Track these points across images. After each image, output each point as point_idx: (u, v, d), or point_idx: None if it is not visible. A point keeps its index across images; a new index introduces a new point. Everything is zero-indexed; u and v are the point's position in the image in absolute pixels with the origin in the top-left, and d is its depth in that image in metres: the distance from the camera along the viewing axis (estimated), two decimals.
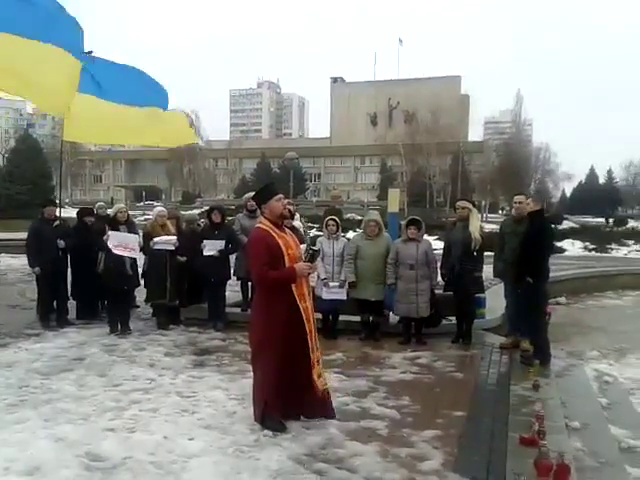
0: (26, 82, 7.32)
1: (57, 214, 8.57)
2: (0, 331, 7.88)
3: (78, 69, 7.91)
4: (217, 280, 8.32)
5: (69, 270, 8.68)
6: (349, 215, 36.68)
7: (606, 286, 15.58)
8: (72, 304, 8.83)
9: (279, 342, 4.51)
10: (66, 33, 7.66)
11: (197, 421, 4.71)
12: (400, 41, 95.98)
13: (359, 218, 37.11)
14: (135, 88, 8.59)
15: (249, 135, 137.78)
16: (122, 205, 8.71)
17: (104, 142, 10.08)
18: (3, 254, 17.08)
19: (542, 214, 7.00)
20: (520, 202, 7.33)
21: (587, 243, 27.04)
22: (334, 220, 7.97)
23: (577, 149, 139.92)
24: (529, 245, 6.60)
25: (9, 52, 7.05)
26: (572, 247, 25.82)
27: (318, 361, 4.71)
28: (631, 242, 27.73)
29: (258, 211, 8.35)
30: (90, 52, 8.47)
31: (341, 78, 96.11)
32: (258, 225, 4.70)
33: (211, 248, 8.15)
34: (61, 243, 8.23)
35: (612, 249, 26.82)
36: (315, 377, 4.66)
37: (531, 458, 3.82)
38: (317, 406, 4.73)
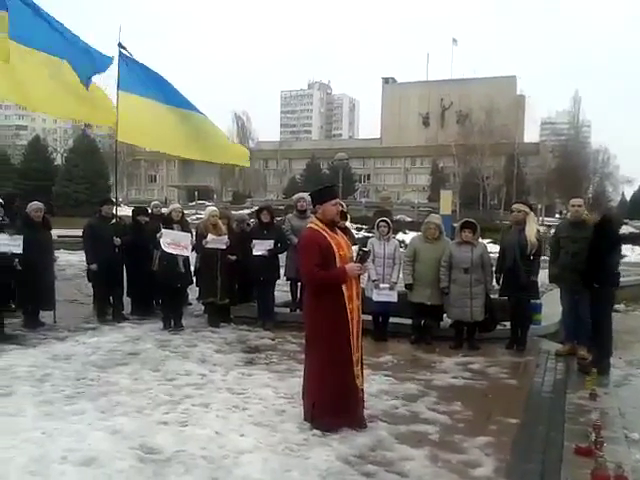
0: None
1: (114, 212, 8.82)
2: (59, 325, 8.16)
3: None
4: (266, 279, 8.40)
5: (124, 267, 8.92)
6: (399, 217, 36.46)
7: None
8: (127, 300, 9.08)
9: (325, 341, 4.51)
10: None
11: (247, 417, 4.76)
12: (454, 41, 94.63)
13: (409, 220, 36.88)
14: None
15: (299, 136, 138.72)
16: (178, 205, 8.90)
17: (156, 148, 10.18)
18: (62, 250, 17.67)
19: (608, 222, 6.74)
20: (579, 205, 7.13)
21: None
22: (386, 221, 7.91)
23: (638, 152, 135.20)
24: (595, 251, 6.37)
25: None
26: (632, 253, 24.88)
27: (357, 362, 4.67)
28: None
29: (308, 211, 8.45)
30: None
31: (393, 78, 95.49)
32: (310, 225, 4.71)
33: (260, 248, 8.23)
34: (117, 241, 8.46)
35: None
36: (354, 376, 4.64)
37: (587, 468, 3.72)
38: (356, 413, 4.68)
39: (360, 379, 4.70)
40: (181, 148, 9.36)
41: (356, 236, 12.28)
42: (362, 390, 4.74)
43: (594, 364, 6.21)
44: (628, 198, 75.34)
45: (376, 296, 7.54)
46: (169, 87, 8.79)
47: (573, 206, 7.22)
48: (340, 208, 4.89)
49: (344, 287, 4.50)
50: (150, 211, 9.79)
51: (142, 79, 8.64)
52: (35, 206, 8.10)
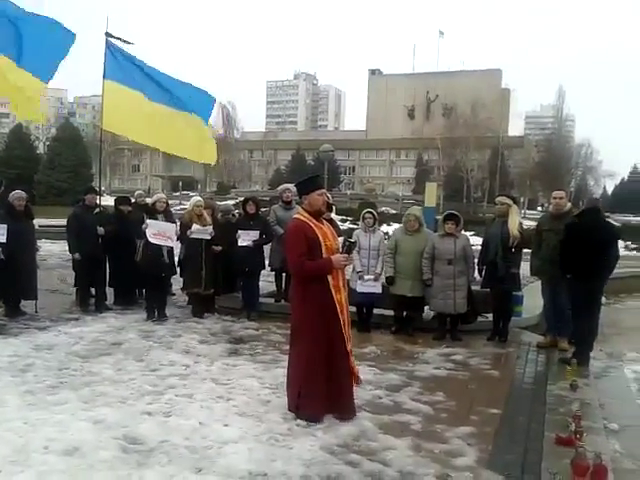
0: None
1: (97, 202, 8.74)
2: (41, 315, 8.08)
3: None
4: (251, 270, 8.38)
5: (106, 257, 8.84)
6: (383, 209, 36.52)
7: None
8: (110, 290, 9.01)
9: (313, 331, 4.53)
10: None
11: (232, 408, 4.77)
12: (441, 33, 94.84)
13: (393, 212, 36.98)
14: (180, 93, 8.76)
15: (285, 127, 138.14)
16: (162, 195, 8.82)
17: (138, 140, 10.12)
18: (44, 240, 17.49)
19: (596, 211, 6.70)
20: (561, 197, 7.19)
21: (628, 242, 26.37)
22: (371, 213, 7.93)
23: (620, 146, 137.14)
24: (575, 243, 6.38)
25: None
26: None
27: (351, 351, 4.73)
28: None
29: (293, 202, 8.44)
30: (131, 43, 8.66)
31: (379, 70, 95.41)
32: (296, 216, 4.72)
33: (245, 238, 8.21)
34: (100, 230, 8.38)
35: None
36: (352, 367, 4.72)
37: (567, 458, 3.76)
38: (349, 401, 4.74)
39: (356, 369, 4.79)
40: (160, 142, 9.31)
41: (341, 228, 12.28)
42: (359, 378, 4.83)
43: (575, 356, 6.29)
44: (610, 192, 76.30)
45: (360, 287, 7.57)
46: (154, 79, 8.69)
47: (555, 198, 7.29)
48: (326, 199, 4.89)
49: (329, 277, 4.53)
50: (134, 201, 9.72)
51: (128, 70, 8.57)
52: (17, 195, 7.99)
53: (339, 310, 4.57)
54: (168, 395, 5.02)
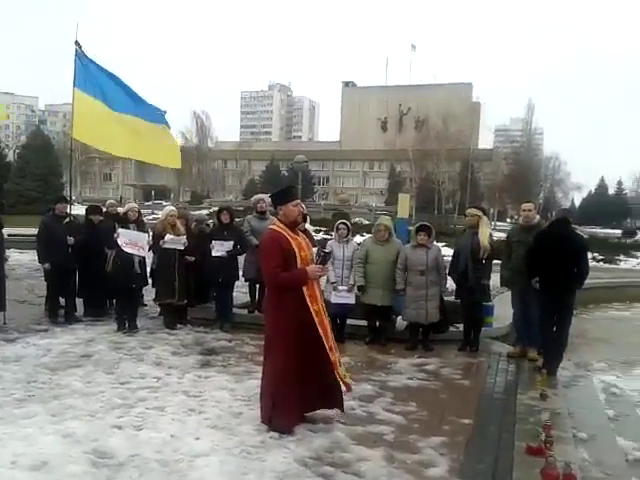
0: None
1: (68, 211, 8.62)
2: (8, 326, 7.89)
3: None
4: (225, 281, 8.32)
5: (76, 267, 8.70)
6: (356, 219, 36.73)
7: (614, 297, 15.43)
8: (79, 301, 8.87)
9: (288, 342, 4.52)
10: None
11: (204, 421, 4.72)
12: (413, 47, 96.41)
13: (366, 222, 37.15)
14: (138, 102, 8.79)
15: (259, 137, 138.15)
16: (134, 204, 8.73)
17: (107, 149, 10.14)
18: (12, 249, 17.13)
19: (566, 222, 6.83)
20: (529, 210, 7.32)
21: (595, 254, 26.85)
22: (345, 224, 7.96)
23: (588, 159, 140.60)
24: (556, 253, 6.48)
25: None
26: None
27: (339, 362, 4.78)
28: None
29: (268, 213, 8.43)
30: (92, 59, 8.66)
31: (352, 82, 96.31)
32: (272, 226, 4.73)
33: (220, 249, 8.15)
34: (70, 240, 8.25)
35: (620, 260, 26.63)
36: (340, 378, 4.78)
37: (537, 467, 3.81)
38: (339, 400, 4.86)
39: (347, 379, 4.89)
40: (127, 150, 9.30)
41: (315, 238, 12.29)
42: (348, 385, 4.92)
43: (544, 366, 6.38)
44: (577, 204, 77.96)
45: (334, 298, 7.58)
46: (119, 89, 8.66)
47: (524, 210, 7.41)
48: (301, 209, 4.91)
49: (304, 288, 4.54)
50: (105, 210, 9.60)
51: (96, 81, 8.54)
52: None
53: (317, 321, 4.58)
54: (139, 408, 4.95)
